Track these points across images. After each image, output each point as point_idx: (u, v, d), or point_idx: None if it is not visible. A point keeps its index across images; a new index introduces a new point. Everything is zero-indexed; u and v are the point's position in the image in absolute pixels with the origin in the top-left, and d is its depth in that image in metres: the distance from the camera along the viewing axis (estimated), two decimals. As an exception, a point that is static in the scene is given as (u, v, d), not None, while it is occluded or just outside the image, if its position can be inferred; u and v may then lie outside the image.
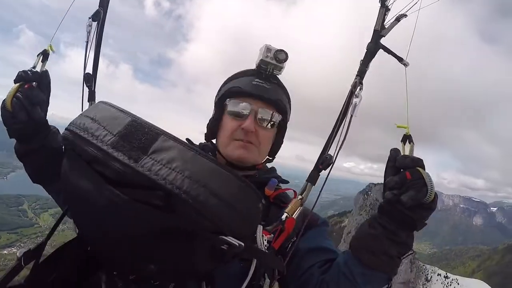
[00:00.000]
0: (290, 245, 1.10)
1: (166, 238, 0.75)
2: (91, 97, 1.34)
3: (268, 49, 1.21)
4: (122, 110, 0.84)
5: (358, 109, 1.15)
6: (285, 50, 1.21)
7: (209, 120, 1.34)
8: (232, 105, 1.23)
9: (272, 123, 1.24)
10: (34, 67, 1.18)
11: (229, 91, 1.26)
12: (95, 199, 0.76)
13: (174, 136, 0.78)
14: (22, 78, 1.11)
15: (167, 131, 0.79)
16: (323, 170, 1.18)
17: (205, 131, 1.35)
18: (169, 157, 0.74)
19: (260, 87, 1.23)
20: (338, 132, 1.17)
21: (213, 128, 1.31)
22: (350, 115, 1.14)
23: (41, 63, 1.20)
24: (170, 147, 0.76)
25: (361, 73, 1.20)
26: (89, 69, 1.35)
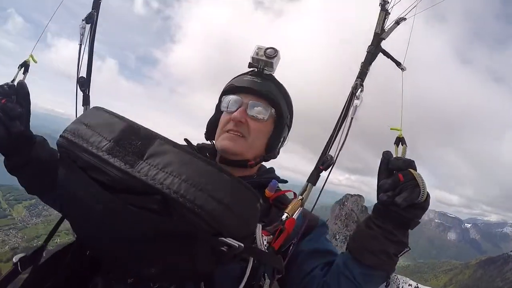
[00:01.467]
0: (290, 247, 1.10)
1: (165, 242, 0.74)
2: (86, 101, 1.33)
3: (258, 47, 1.26)
4: (116, 116, 0.84)
5: (358, 110, 1.16)
6: (275, 47, 1.26)
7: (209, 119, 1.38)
8: (224, 101, 1.28)
9: (263, 114, 1.25)
10: (13, 80, 1.16)
11: (224, 90, 1.33)
12: (92, 206, 0.77)
13: (170, 140, 0.78)
14: (1, 93, 1.10)
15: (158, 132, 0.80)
16: (323, 171, 1.16)
17: (205, 132, 1.38)
18: (165, 161, 0.73)
19: (250, 81, 1.27)
20: (338, 131, 1.17)
21: (211, 126, 1.34)
22: (350, 117, 1.15)
23: (22, 75, 1.19)
24: (166, 151, 0.76)
25: (362, 75, 1.22)
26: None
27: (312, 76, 54.27)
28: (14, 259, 0.95)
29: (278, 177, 1.34)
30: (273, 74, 1.31)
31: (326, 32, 62.58)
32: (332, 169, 1.14)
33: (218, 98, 1.37)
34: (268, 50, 1.25)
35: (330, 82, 48.55)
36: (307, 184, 1.17)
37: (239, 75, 1.33)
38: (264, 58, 1.25)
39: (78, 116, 0.92)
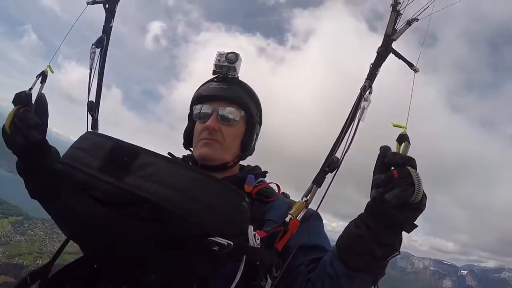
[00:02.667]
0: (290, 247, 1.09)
1: (160, 248, 0.80)
2: (94, 125, 1.39)
3: (219, 54, 1.32)
4: (105, 137, 0.92)
5: (366, 112, 1.14)
6: (235, 51, 1.31)
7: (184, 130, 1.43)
8: (196, 111, 1.34)
9: (234, 119, 1.31)
10: (30, 89, 1.22)
11: (193, 99, 1.40)
12: (92, 222, 0.85)
13: (154, 152, 0.85)
14: (18, 101, 1.17)
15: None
16: (329, 173, 1.16)
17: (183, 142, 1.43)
18: (150, 172, 0.80)
19: (217, 88, 1.33)
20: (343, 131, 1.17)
21: (187, 136, 1.42)
22: (358, 119, 1.13)
23: (40, 84, 1.24)
24: (151, 162, 0.82)
25: (371, 76, 1.20)
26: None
27: (309, 119, 50.91)
28: (22, 274, 1.04)
29: (260, 172, 1.39)
30: (237, 76, 1.36)
31: (324, 79, 57.57)
32: (337, 171, 1.13)
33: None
34: (229, 55, 1.31)
35: (327, 125, 45.40)
36: (312, 186, 1.17)
37: (205, 83, 1.40)
38: (226, 63, 1.31)
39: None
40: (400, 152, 0.93)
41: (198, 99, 1.36)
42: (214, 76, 1.37)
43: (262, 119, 1.46)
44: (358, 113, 1.15)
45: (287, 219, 1.06)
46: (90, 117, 1.42)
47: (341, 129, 1.20)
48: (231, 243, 0.77)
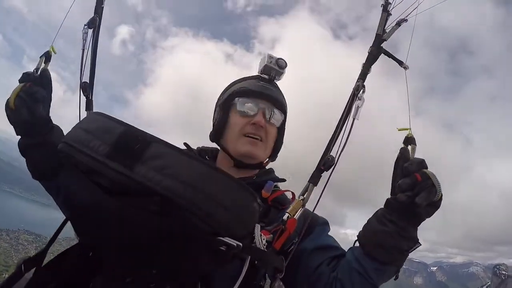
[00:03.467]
0: (291, 246, 1.10)
1: (165, 243, 0.77)
2: (89, 106, 1.35)
3: (270, 56, 1.33)
4: (114, 120, 0.86)
5: (360, 111, 1.16)
6: (285, 59, 1.34)
7: (214, 121, 1.39)
8: (241, 104, 1.31)
9: (278, 121, 1.33)
10: (37, 69, 1.19)
11: (238, 91, 1.33)
12: (94, 208, 0.80)
13: (167, 142, 0.80)
14: (25, 78, 1.15)
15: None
16: (325, 171, 1.17)
17: (212, 132, 1.39)
18: (163, 163, 0.75)
19: (266, 87, 1.33)
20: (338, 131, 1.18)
21: (220, 128, 1.35)
22: (352, 118, 1.15)
23: (44, 64, 1.22)
24: (164, 153, 0.77)
25: (363, 76, 1.22)
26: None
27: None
28: (17, 262, 0.99)
29: (277, 177, 1.38)
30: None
31: (288, 85, 61.36)
32: (334, 169, 1.14)
33: (224, 98, 1.36)
34: (281, 61, 1.33)
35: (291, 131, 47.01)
36: (308, 185, 1.18)
37: (247, 79, 1.38)
38: (276, 67, 1.33)
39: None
40: (411, 155, 1.05)
41: (244, 92, 1.32)
42: (257, 75, 1.37)
43: None
44: (353, 112, 1.17)
45: (285, 217, 1.07)
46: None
47: (335, 127, 1.21)
48: (240, 244, 0.76)
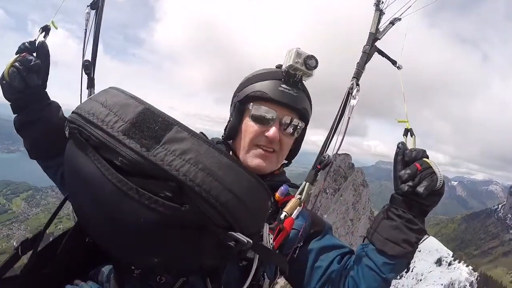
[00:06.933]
0: (296, 250, 1.14)
1: (173, 231, 0.73)
2: (90, 84, 1.34)
3: (298, 53, 1.13)
4: (133, 97, 0.81)
5: (354, 110, 1.18)
6: (315, 56, 1.15)
7: (228, 122, 1.29)
8: (256, 110, 1.18)
9: (296, 132, 1.23)
10: (34, 41, 1.20)
11: (253, 95, 1.19)
12: (100, 187, 0.73)
13: (188, 128, 0.77)
14: (21, 49, 1.15)
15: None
16: (321, 170, 1.20)
17: (225, 132, 1.30)
18: (182, 148, 0.72)
19: (286, 94, 1.17)
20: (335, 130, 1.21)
21: (233, 130, 1.25)
22: (347, 117, 1.18)
23: (43, 38, 1.24)
24: (184, 138, 0.74)
25: (358, 75, 1.23)
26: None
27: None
28: (14, 243, 0.97)
29: (289, 181, 1.34)
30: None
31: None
32: (330, 168, 1.18)
33: (238, 93, 1.27)
34: (310, 61, 1.14)
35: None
36: (305, 184, 1.21)
37: (269, 77, 1.20)
38: (303, 68, 1.14)
39: (90, 96, 0.95)
40: (411, 145, 1.08)
41: (261, 98, 1.18)
42: (280, 73, 1.19)
43: None
44: (347, 111, 1.19)
45: (282, 216, 1.09)
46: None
47: (330, 127, 1.24)
48: (251, 241, 0.74)
